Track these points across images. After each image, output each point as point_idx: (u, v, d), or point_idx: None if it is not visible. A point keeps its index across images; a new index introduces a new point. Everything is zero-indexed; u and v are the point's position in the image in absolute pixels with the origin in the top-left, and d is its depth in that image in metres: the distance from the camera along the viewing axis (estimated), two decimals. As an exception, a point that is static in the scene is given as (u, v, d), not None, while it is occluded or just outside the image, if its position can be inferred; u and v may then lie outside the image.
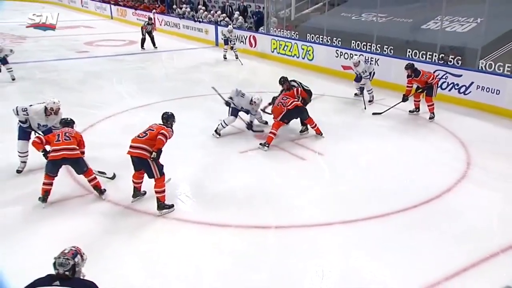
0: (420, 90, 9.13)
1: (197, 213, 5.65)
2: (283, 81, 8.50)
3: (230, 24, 16.22)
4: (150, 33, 16.81)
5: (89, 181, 5.81)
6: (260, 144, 7.70)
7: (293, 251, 4.90)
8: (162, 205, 5.47)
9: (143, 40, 16.71)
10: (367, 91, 10.10)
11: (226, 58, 15.31)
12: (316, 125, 8.05)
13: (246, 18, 17.88)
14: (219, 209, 5.75)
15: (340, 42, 13.71)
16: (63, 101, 9.71)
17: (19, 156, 6.38)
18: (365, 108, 9.72)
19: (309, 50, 13.91)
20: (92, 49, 16.78)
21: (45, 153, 5.64)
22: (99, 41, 18.42)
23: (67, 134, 5.74)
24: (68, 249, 3.10)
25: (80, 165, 5.72)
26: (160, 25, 21.31)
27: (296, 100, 7.85)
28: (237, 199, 6.06)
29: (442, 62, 10.89)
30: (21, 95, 10.65)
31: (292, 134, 8.30)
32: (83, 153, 5.92)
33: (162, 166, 5.49)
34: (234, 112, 8.23)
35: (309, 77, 12.38)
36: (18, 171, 6.41)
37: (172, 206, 5.57)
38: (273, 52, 15.28)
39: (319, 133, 8.11)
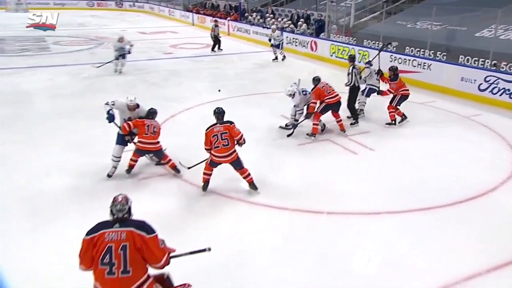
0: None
1: (259, 196, 5.63)
2: (352, 59, 8.59)
3: (274, 24, 16.17)
4: (217, 36, 16.84)
5: (166, 163, 6.20)
6: (307, 134, 7.62)
7: (342, 236, 4.81)
8: (254, 186, 5.63)
9: (215, 44, 16.87)
10: (359, 102, 8.77)
11: (276, 59, 15.35)
12: (341, 120, 7.89)
13: (309, 25, 17.60)
14: (278, 194, 5.71)
15: (394, 48, 13.18)
16: (150, 95, 10.15)
17: (113, 160, 6.06)
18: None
19: (365, 55, 13.39)
20: (175, 51, 17.19)
21: (128, 135, 6.02)
22: (182, 44, 18.84)
23: (155, 128, 6.02)
24: (120, 197, 3.12)
25: (159, 154, 6.17)
26: (233, 30, 21.49)
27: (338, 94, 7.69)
28: (294, 186, 6.00)
29: (495, 68, 10.16)
30: (118, 89, 11.10)
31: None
32: None
33: None
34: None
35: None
36: (109, 176, 6.05)
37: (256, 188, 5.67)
38: (331, 56, 14.95)
39: (342, 129, 7.85)
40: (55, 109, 9.25)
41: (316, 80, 7.80)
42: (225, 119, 5.53)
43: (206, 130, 5.45)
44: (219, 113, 5.53)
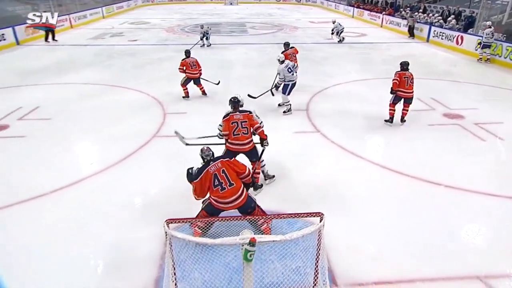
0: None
1: (387, 160, 5.33)
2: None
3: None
4: (411, 27, 16.23)
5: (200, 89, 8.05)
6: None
7: (455, 207, 4.30)
8: (258, 186, 4.50)
9: (411, 33, 16.27)
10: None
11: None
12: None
13: (458, 21, 14.95)
14: (404, 161, 5.31)
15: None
16: (312, 70, 10.17)
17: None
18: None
19: (512, 51, 10.95)
20: (335, 37, 16.57)
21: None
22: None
23: (193, 62, 7.74)
24: (205, 147, 3.56)
25: (197, 81, 7.91)
26: (386, 23, 19.55)
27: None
28: (419, 157, 5.51)
29: None
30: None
31: (474, 117, 6.90)
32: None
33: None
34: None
35: (509, 75, 9.96)
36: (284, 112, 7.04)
37: (261, 185, 4.60)
38: (476, 50, 12.54)
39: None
40: (245, 74, 10.05)
41: (286, 45, 8.03)
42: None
43: (224, 117, 4.39)
44: (234, 102, 4.43)
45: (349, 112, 7.20)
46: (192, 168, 3.57)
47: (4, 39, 13.16)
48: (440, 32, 14.70)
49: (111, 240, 3.76)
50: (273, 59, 12.05)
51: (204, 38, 13.69)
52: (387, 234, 3.84)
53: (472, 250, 3.66)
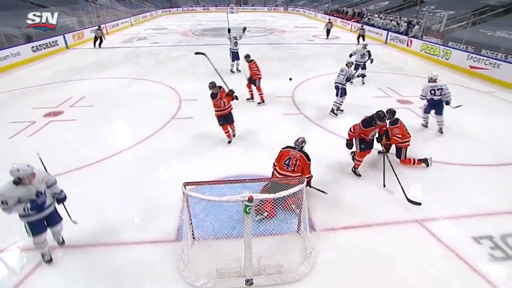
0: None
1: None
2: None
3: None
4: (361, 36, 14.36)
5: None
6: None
7: (399, 169, 4.16)
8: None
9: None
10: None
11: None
12: None
13: (408, 28, 14.41)
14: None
15: (473, 49, 10.15)
16: (296, 66, 9.74)
17: None
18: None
19: (448, 53, 10.65)
20: (315, 39, 15.94)
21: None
22: (320, 35, 17.20)
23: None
24: (300, 138, 3.56)
25: None
26: (354, 28, 18.76)
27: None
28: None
29: None
30: (277, 60, 10.86)
31: (419, 103, 6.68)
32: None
33: None
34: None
35: (444, 71, 9.75)
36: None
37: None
38: (421, 51, 12.22)
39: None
40: (243, 66, 9.62)
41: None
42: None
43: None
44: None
45: (325, 98, 7.03)
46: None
47: (57, 44, 12.53)
48: (395, 36, 14.23)
49: (143, 198, 3.72)
50: (265, 56, 11.71)
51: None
52: (355, 193, 3.82)
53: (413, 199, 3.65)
